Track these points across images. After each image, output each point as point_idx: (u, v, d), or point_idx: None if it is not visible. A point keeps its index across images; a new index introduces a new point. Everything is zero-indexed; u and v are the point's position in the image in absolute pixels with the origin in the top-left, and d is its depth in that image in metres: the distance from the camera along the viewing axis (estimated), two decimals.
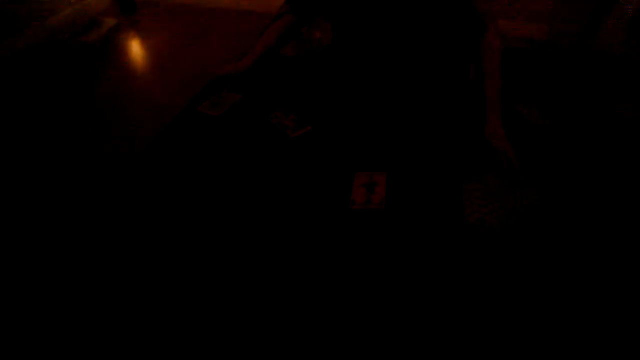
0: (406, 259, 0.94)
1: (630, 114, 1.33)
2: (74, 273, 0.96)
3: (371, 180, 1.10)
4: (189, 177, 1.13)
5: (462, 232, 0.98)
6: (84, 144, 2.08)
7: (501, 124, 1.15)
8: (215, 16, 3.36)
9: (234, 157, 1.18)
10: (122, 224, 1.04)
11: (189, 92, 1.49)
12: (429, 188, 1.07)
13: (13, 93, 2.41)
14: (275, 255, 0.96)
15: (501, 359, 0.82)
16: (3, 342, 0.91)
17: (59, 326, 0.88)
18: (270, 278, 0.92)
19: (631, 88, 1.65)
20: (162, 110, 2.22)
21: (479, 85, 1.19)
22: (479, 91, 1.19)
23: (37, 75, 2.56)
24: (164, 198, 1.09)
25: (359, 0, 1.19)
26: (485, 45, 1.17)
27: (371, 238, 0.98)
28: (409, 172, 1.11)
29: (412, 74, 1.23)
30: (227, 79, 1.38)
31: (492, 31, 1.18)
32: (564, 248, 0.97)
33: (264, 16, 3.33)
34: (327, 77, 1.40)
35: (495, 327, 0.85)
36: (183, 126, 1.31)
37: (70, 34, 2.93)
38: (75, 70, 2.65)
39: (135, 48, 2.99)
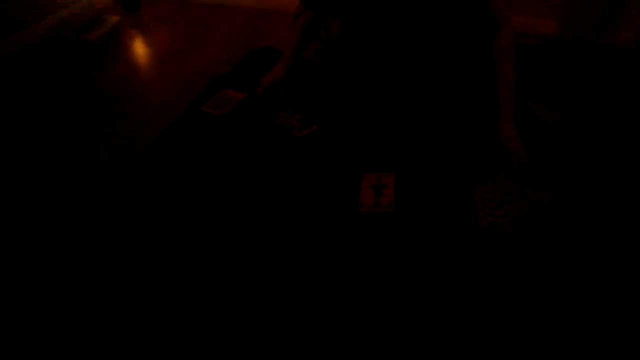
0: (416, 264, 0.91)
1: None
2: (75, 273, 0.94)
3: (379, 181, 1.07)
4: (192, 177, 1.11)
5: (473, 236, 0.95)
6: (85, 142, 2.06)
7: (513, 124, 1.12)
8: (219, 12, 3.33)
9: (238, 157, 1.15)
10: (124, 223, 1.02)
11: (192, 91, 1.47)
12: (440, 190, 1.04)
13: (14, 91, 2.40)
14: (280, 259, 0.94)
15: None
16: (3, 342, 0.90)
17: (59, 326, 0.87)
18: (274, 282, 0.90)
19: None
20: (165, 109, 2.20)
21: (491, 84, 1.16)
22: (491, 90, 1.16)
23: (38, 73, 2.54)
24: (165, 198, 1.07)
25: None
26: (498, 45, 1.14)
27: (379, 242, 0.95)
28: (418, 173, 1.08)
29: (422, 71, 1.20)
30: (272, 89, 1.33)
31: (505, 30, 1.14)
32: (580, 253, 0.93)
33: (268, 13, 3.31)
34: (333, 74, 1.37)
35: (507, 335, 0.82)
36: (186, 125, 1.29)
37: (73, 32, 2.91)
38: (77, 68, 2.63)
39: (138, 46, 2.97)
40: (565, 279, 0.90)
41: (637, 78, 1.67)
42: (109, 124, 2.19)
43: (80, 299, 0.90)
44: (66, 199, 1.73)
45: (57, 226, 1.54)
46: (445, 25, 1.16)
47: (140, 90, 2.47)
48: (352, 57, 1.28)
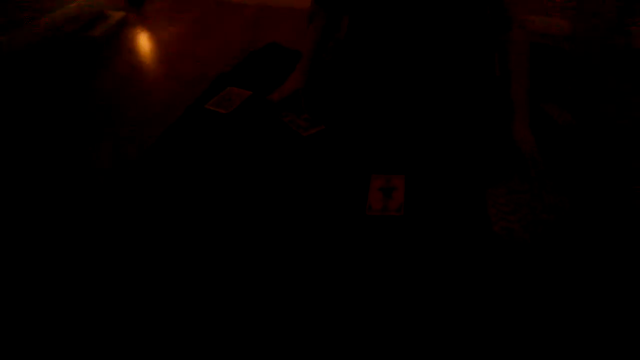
0: (426, 272, 0.88)
1: None
2: (76, 274, 0.93)
3: (388, 183, 1.04)
4: (196, 177, 1.08)
5: (487, 242, 0.92)
6: (86, 142, 2.04)
7: (529, 124, 1.08)
8: (224, 9, 3.30)
9: (243, 157, 1.13)
10: (126, 224, 1.00)
11: (196, 89, 1.44)
12: (452, 193, 1.00)
13: (14, 90, 2.38)
14: (284, 263, 0.91)
15: None
16: (3, 342, 0.90)
17: (59, 326, 0.87)
18: (278, 287, 0.87)
19: None
20: (169, 107, 2.18)
21: (504, 84, 1.12)
22: (504, 90, 1.12)
23: (39, 71, 2.52)
24: (169, 199, 1.04)
25: None
26: (511, 42, 1.10)
27: (388, 247, 0.92)
28: (429, 175, 1.04)
29: (433, 69, 1.16)
30: (292, 97, 1.28)
31: (518, 27, 1.10)
32: (597, 261, 0.90)
33: (274, 9, 3.27)
34: (342, 73, 1.34)
35: (521, 349, 0.79)
36: (190, 124, 1.26)
37: (76, 28, 2.88)
38: (80, 65, 2.61)
39: (142, 42, 2.95)
40: (582, 288, 0.86)
41: None
42: (111, 123, 2.17)
43: (81, 299, 0.88)
44: (67, 199, 1.72)
45: (58, 227, 1.53)
46: (456, 22, 1.12)
47: (143, 89, 2.45)
48: (361, 55, 1.24)
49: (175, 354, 0.81)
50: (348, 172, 1.07)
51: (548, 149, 1.10)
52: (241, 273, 0.90)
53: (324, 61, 1.41)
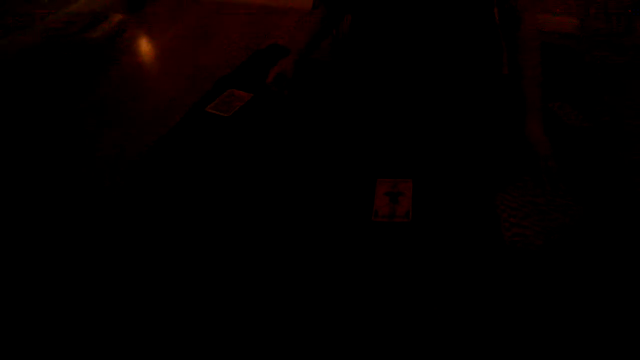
0: (436, 282, 0.84)
1: None
2: (77, 274, 0.95)
3: (395, 188, 1.00)
4: (197, 181, 1.07)
5: (499, 249, 0.88)
6: (86, 144, 2.03)
7: (542, 124, 1.04)
8: (225, 11, 3.27)
9: (245, 160, 1.10)
10: (128, 224, 1.00)
11: (197, 92, 1.42)
12: (462, 198, 0.97)
13: (16, 90, 2.36)
14: (287, 271, 0.88)
15: None
16: (3, 342, 0.91)
17: (59, 326, 0.88)
18: (281, 295, 0.85)
19: None
20: (169, 110, 2.15)
21: (514, 83, 1.08)
22: (515, 89, 1.08)
23: (41, 71, 2.50)
24: (169, 203, 1.03)
25: None
26: (522, 39, 1.06)
27: (395, 257, 0.89)
28: (438, 179, 1.01)
29: (440, 67, 1.13)
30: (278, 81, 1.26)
31: (528, 23, 1.06)
32: (616, 269, 0.86)
33: (275, 11, 3.24)
34: (345, 74, 1.31)
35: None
36: (190, 127, 1.24)
37: (76, 30, 2.86)
38: (78, 67, 2.59)
39: (142, 45, 2.92)
40: (598, 297, 0.83)
41: None
42: (110, 125, 2.15)
43: (82, 298, 0.89)
44: (68, 201, 1.70)
45: (59, 228, 1.52)
46: (463, 20, 1.09)
47: (143, 91, 2.42)
48: (365, 55, 1.21)
49: (176, 354, 0.80)
50: (353, 176, 1.03)
51: (559, 150, 1.06)
52: (242, 279, 0.88)
53: (317, 59, 1.39)
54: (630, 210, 0.97)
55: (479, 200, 0.97)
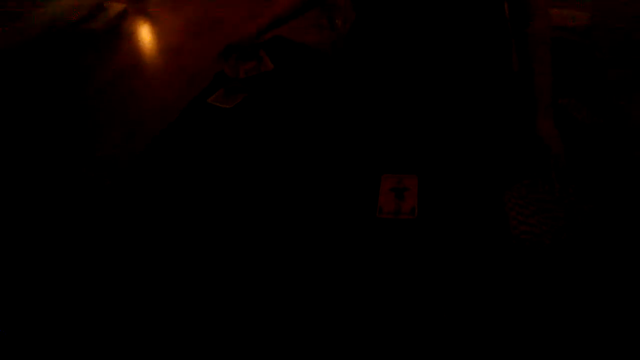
0: (442, 280, 0.83)
1: None
2: (76, 273, 0.93)
3: (401, 184, 0.98)
4: (198, 174, 1.06)
5: (506, 248, 0.86)
6: (86, 138, 2.01)
7: (553, 120, 1.01)
8: (227, 1, 3.24)
9: (247, 153, 1.09)
10: (129, 218, 1.00)
11: (198, 84, 1.41)
12: (468, 194, 0.95)
13: (15, 81, 2.34)
14: (290, 267, 0.87)
15: None
16: (3, 342, 0.91)
17: (59, 326, 0.87)
18: (283, 292, 0.84)
19: None
20: (170, 102, 2.13)
21: (524, 79, 1.05)
22: (524, 85, 1.05)
23: (37, 65, 2.48)
24: (170, 196, 1.02)
25: None
26: (532, 35, 1.03)
27: (400, 253, 0.87)
28: (444, 174, 0.99)
29: (446, 62, 1.10)
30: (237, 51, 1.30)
31: (540, 18, 1.03)
32: (626, 269, 0.84)
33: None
34: (349, 68, 1.28)
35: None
36: (192, 119, 1.23)
37: (76, 20, 2.83)
38: (78, 58, 2.57)
39: (143, 35, 2.90)
40: (607, 296, 0.81)
41: None
42: (111, 116, 2.13)
43: (82, 297, 0.88)
44: (68, 195, 1.69)
45: (59, 225, 1.51)
46: (472, 14, 1.06)
47: (144, 82, 2.40)
48: (371, 49, 1.18)
49: (176, 354, 0.79)
50: (357, 171, 1.02)
51: (568, 147, 1.03)
52: (245, 275, 0.87)
53: (318, 50, 1.39)
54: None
55: (486, 197, 0.95)
